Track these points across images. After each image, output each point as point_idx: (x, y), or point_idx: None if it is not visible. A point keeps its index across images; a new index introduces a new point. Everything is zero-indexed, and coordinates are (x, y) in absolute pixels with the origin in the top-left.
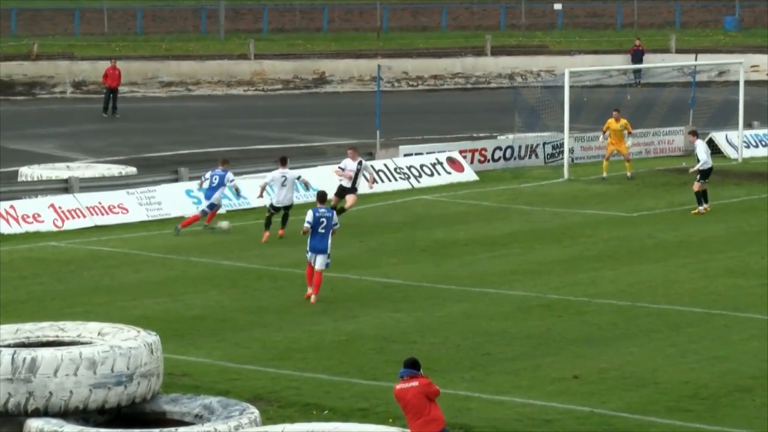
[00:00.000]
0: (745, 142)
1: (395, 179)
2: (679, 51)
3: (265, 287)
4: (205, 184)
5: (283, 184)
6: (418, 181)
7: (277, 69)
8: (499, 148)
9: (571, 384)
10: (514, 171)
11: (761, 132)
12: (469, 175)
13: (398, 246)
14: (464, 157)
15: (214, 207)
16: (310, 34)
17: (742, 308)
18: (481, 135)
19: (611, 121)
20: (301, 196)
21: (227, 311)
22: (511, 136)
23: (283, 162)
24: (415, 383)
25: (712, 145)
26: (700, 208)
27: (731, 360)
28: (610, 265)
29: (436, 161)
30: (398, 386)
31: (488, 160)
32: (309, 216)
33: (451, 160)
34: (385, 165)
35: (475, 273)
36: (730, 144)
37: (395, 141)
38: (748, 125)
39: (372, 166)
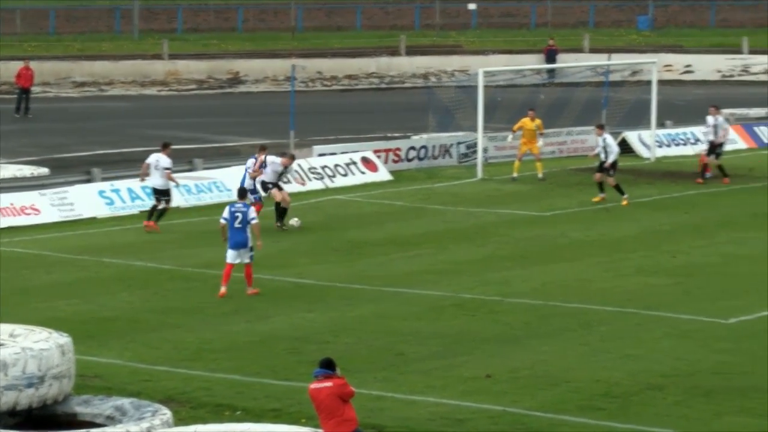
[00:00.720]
0: (657, 141)
1: (309, 179)
2: (592, 51)
3: (177, 288)
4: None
5: (156, 168)
6: (332, 181)
7: (191, 69)
8: (413, 147)
9: (483, 383)
10: (428, 171)
11: (674, 131)
12: (383, 174)
13: (312, 246)
14: (378, 157)
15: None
16: (224, 33)
17: (654, 307)
18: (395, 135)
19: (526, 121)
20: (215, 197)
21: (139, 312)
22: (425, 136)
23: (164, 147)
24: (328, 383)
25: (625, 145)
26: (625, 196)
27: (643, 358)
28: (523, 265)
29: (350, 161)
30: (312, 386)
31: (402, 160)
32: (225, 212)
33: (366, 160)
34: (299, 165)
35: (388, 273)
36: (643, 143)
37: (309, 141)
38: (660, 125)
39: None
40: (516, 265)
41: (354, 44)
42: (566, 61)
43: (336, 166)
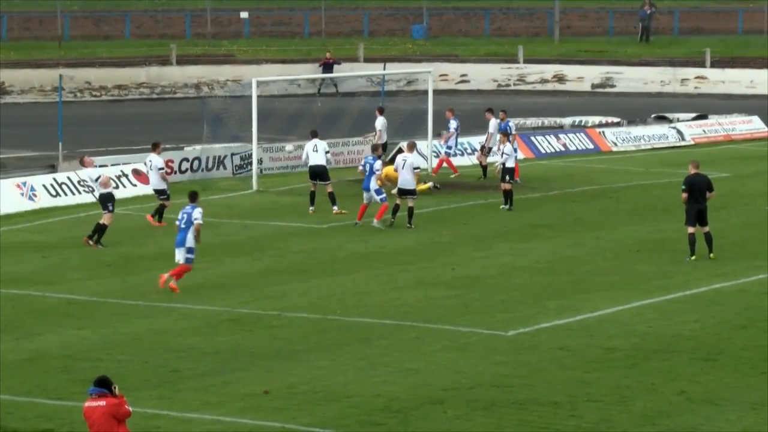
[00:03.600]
0: (434, 152)
1: (79, 192)
2: (367, 60)
3: None
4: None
5: (150, 168)
6: None
7: None
8: (186, 159)
9: (261, 400)
10: (202, 183)
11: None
12: (155, 186)
13: (83, 261)
14: None
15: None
16: None
17: (433, 320)
18: (167, 146)
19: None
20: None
21: None
22: (198, 147)
23: (154, 147)
24: (102, 402)
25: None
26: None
27: (422, 372)
28: (300, 278)
29: (121, 173)
30: (86, 404)
31: (175, 172)
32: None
33: (137, 173)
34: (68, 178)
35: (162, 288)
36: (420, 154)
37: (79, 153)
38: (437, 135)
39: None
40: (293, 278)
41: (123, 53)
42: (342, 71)
43: None
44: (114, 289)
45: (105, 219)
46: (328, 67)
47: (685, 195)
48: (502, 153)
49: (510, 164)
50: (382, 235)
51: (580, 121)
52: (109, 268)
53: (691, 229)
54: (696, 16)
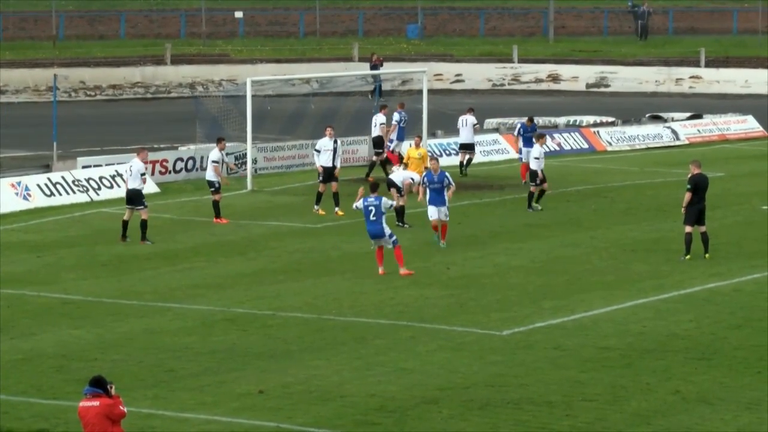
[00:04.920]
0: (429, 151)
1: (73, 192)
2: (362, 59)
3: None
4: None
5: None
6: (98, 194)
7: None
8: (181, 159)
9: (256, 399)
10: (196, 182)
11: (445, 141)
12: (150, 187)
13: (78, 261)
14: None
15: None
16: None
17: (428, 319)
18: (161, 146)
19: (410, 150)
20: None
21: None
22: (192, 147)
23: (218, 141)
24: (96, 403)
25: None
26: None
27: (418, 372)
28: (295, 278)
29: (115, 173)
30: (81, 404)
31: (169, 172)
32: (359, 203)
33: None
34: (63, 177)
35: (157, 287)
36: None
37: (73, 153)
38: (432, 134)
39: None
40: (288, 278)
41: (118, 53)
42: (336, 70)
43: (101, 178)
44: (109, 289)
45: (143, 214)
46: (376, 69)
47: (689, 194)
48: (536, 156)
49: (533, 166)
50: None
51: (575, 121)
52: (104, 267)
53: (688, 229)
54: (691, 16)
